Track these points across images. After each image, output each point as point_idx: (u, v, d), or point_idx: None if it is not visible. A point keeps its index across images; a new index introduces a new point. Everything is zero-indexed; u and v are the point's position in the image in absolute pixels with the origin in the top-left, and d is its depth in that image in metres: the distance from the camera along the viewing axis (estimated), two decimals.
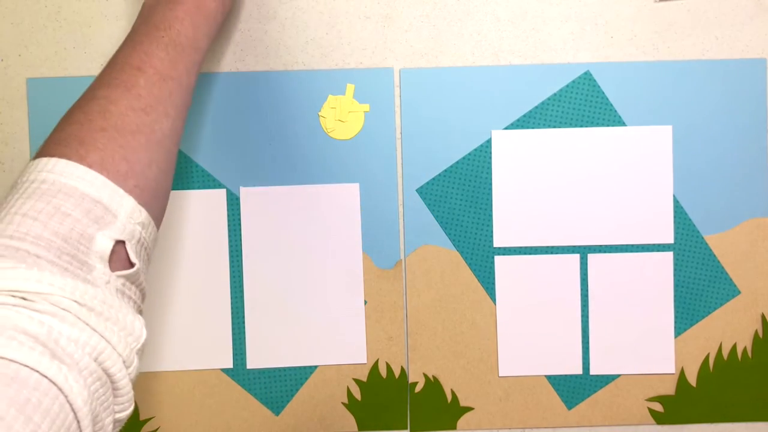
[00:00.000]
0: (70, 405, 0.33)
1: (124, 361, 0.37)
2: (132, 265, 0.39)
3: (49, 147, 0.40)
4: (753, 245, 0.59)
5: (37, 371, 0.32)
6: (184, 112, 0.46)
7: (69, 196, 0.37)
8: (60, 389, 0.32)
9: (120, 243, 0.39)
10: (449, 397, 0.59)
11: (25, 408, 0.31)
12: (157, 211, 0.43)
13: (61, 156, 0.38)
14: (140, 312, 0.41)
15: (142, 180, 0.41)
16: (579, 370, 0.59)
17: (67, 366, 0.33)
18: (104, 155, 0.39)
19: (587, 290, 0.59)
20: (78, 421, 0.33)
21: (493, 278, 0.59)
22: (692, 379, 0.59)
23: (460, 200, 0.59)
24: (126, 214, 0.39)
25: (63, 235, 0.36)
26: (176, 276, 0.58)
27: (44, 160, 0.39)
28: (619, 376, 0.59)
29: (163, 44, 0.45)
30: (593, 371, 0.59)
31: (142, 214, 0.40)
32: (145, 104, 0.42)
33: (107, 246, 0.37)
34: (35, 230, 0.36)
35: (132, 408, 0.38)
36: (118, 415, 0.37)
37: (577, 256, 0.59)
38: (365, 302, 0.59)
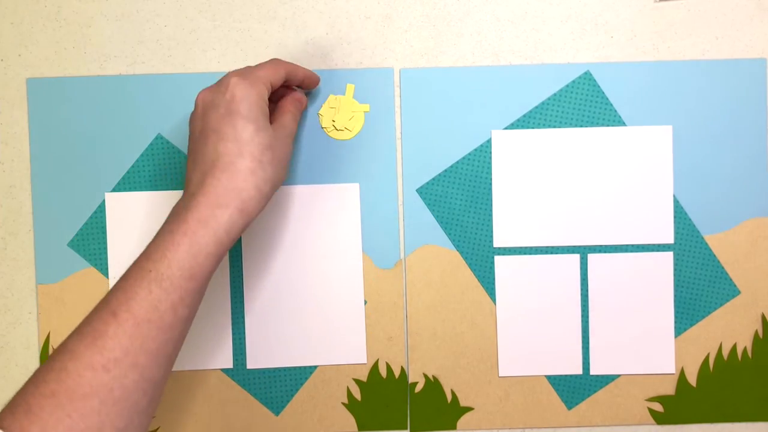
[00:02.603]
0: None
1: None
2: None
3: (6, 410, 0.38)
4: (753, 245, 0.59)
5: None
6: (166, 351, 0.42)
7: None
8: None
9: None
10: (449, 397, 0.59)
11: None
12: None
13: (6, 427, 0.37)
14: None
15: None
16: (579, 370, 0.59)
17: None
18: (46, 426, 0.37)
19: (587, 290, 0.59)
20: None
21: (493, 278, 0.59)
22: (692, 379, 0.59)
23: (460, 200, 0.59)
24: None
25: None
26: None
27: None
28: (619, 376, 0.59)
29: (146, 281, 0.41)
30: (593, 371, 0.59)
31: None
32: (108, 359, 0.39)
33: None
34: None
35: None
36: None
37: (577, 256, 0.59)
38: (365, 302, 0.59)
